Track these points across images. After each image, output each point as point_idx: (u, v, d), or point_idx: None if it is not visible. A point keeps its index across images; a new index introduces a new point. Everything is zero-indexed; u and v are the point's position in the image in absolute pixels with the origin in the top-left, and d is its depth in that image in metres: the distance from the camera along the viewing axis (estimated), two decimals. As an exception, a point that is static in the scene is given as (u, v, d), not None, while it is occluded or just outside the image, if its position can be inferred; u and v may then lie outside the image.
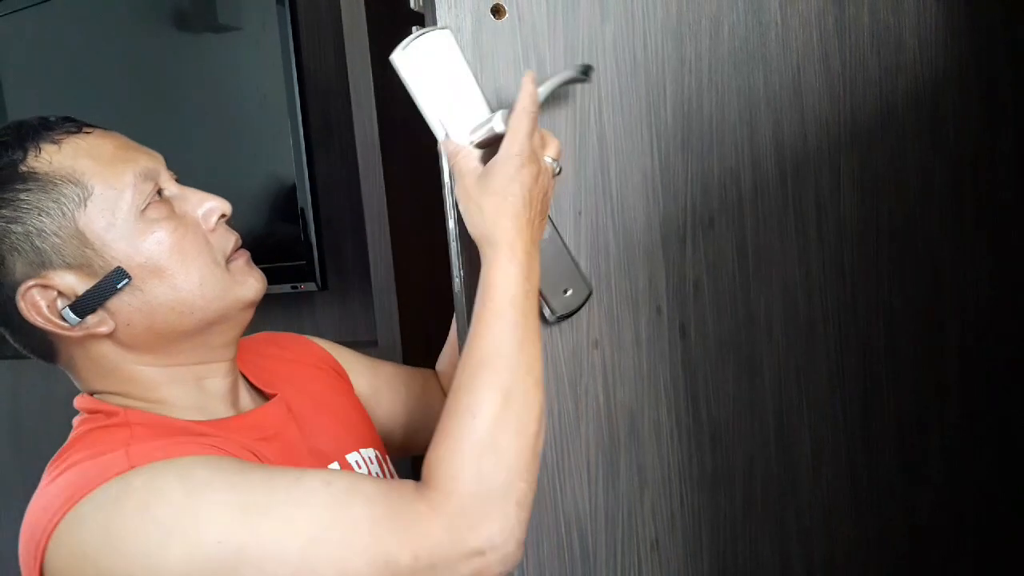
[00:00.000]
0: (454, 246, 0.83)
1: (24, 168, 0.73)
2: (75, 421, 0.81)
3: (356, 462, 0.89)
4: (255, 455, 0.77)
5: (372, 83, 1.31)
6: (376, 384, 1.02)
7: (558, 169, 0.77)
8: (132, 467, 0.69)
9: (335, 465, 0.86)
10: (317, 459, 0.85)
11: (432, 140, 0.80)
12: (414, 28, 0.83)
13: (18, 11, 1.73)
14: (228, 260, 0.80)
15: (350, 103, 1.35)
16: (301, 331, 1.07)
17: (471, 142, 0.77)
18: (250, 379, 0.89)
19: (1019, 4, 0.97)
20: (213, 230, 0.80)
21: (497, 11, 0.82)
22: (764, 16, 0.89)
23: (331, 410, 0.92)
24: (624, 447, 0.87)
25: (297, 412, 0.87)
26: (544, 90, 0.77)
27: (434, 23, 0.81)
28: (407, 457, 1.10)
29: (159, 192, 0.78)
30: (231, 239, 0.81)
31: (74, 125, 0.77)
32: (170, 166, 0.82)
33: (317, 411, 0.90)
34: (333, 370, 1.00)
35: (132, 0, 1.60)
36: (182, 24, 1.57)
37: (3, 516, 2.02)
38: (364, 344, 1.41)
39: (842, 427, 0.94)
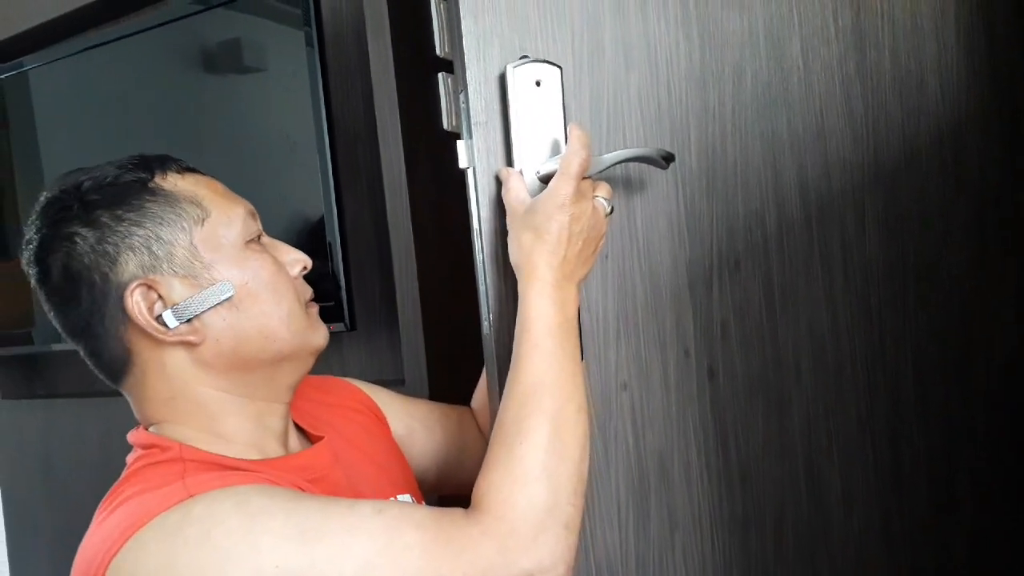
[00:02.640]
0: (482, 288, 0.85)
1: (152, 184, 0.81)
2: (129, 458, 0.83)
3: None
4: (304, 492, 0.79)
5: (400, 127, 1.34)
6: (411, 425, 1.03)
7: (610, 208, 0.81)
8: (191, 496, 0.71)
9: None
10: None
11: (458, 177, 0.82)
12: (440, 75, 0.85)
13: (53, 62, 1.78)
14: (307, 305, 0.87)
15: (377, 145, 1.38)
16: (328, 370, 1.08)
17: (536, 172, 0.81)
18: (296, 421, 0.92)
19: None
20: (296, 278, 0.86)
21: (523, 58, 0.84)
22: (786, 62, 0.91)
23: (370, 456, 0.94)
24: (654, 490, 0.87)
25: (341, 456, 0.89)
26: (614, 157, 0.81)
27: (463, 70, 0.83)
28: (436, 496, 1.11)
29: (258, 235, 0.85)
30: (308, 290, 0.88)
31: (191, 165, 0.86)
32: None
33: (358, 456, 0.92)
34: (372, 413, 1.02)
35: (162, 47, 1.65)
36: (211, 67, 1.62)
37: (33, 556, 2.04)
38: (391, 383, 1.41)
39: (872, 468, 0.94)
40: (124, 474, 0.80)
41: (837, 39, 0.92)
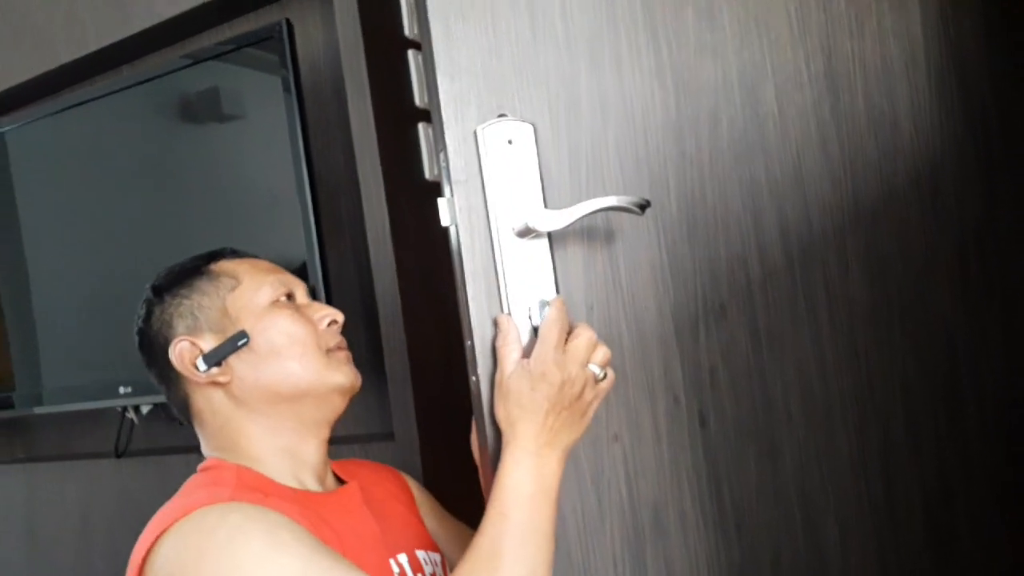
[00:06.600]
0: (468, 343, 0.84)
1: (204, 268, 1.01)
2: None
3: (423, 559, 0.98)
4: (335, 533, 0.89)
5: (382, 179, 1.34)
6: (438, 533, 1.07)
7: (602, 375, 0.81)
8: (232, 499, 0.85)
9: (403, 556, 0.96)
10: (387, 548, 0.95)
11: (443, 227, 0.83)
12: (420, 125, 0.86)
13: (32, 122, 1.78)
14: (330, 350, 0.99)
15: (359, 197, 1.38)
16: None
17: (512, 228, 0.82)
18: (336, 471, 1.04)
19: (1009, 83, 0.99)
20: (324, 330, 1.00)
21: (501, 116, 0.84)
22: (761, 108, 0.92)
23: (398, 513, 1.03)
24: (650, 541, 0.86)
25: (372, 504, 0.99)
26: (584, 209, 0.81)
27: (441, 130, 0.83)
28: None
29: (289, 296, 1.01)
30: (337, 337, 1.01)
31: (248, 253, 1.05)
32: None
33: (385, 506, 1.01)
34: (408, 496, 1.10)
35: (141, 101, 1.65)
36: (190, 117, 1.62)
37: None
38: (380, 438, 1.40)
39: (867, 508, 0.93)
40: (182, 488, 0.93)
41: (811, 84, 0.94)
